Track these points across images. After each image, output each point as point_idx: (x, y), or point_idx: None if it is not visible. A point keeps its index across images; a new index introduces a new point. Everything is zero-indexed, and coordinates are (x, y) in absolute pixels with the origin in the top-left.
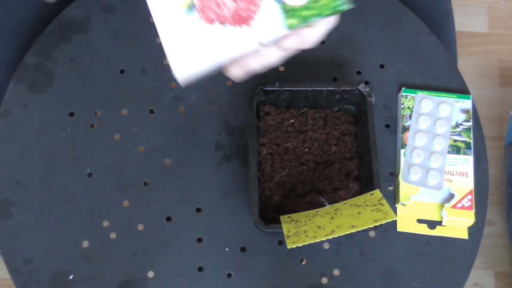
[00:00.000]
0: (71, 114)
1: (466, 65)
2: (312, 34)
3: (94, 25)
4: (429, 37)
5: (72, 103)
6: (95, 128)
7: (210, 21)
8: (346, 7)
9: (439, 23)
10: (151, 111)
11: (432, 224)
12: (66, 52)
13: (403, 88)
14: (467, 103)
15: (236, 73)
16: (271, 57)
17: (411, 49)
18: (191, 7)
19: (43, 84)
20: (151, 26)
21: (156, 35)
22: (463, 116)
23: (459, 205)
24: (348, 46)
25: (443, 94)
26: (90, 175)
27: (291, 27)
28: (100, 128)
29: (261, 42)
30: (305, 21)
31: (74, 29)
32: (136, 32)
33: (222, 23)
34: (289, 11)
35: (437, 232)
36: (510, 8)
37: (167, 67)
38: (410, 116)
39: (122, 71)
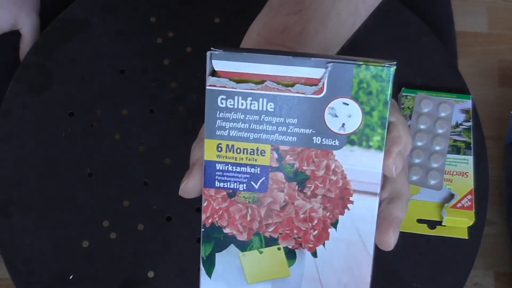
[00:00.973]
0: (71, 114)
1: (466, 65)
2: (402, 132)
3: (94, 25)
4: (429, 37)
5: (72, 103)
6: (95, 128)
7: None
8: (394, 67)
9: (439, 24)
10: (151, 111)
11: (432, 224)
12: (66, 52)
13: (403, 88)
14: (467, 103)
15: (390, 239)
16: (402, 187)
17: (411, 49)
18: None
19: (43, 84)
20: (151, 26)
21: (156, 35)
22: (463, 116)
23: (459, 205)
24: (348, 46)
25: (443, 94)
26: (90, 175)
27: (380, 149)
28: (100, 128)
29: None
30: (382, 126)
31: (74, 29)
32: (136, 32)
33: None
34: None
35: (437, 232)
36: (510, 8)
37: (167, 67)
38: (410, 116)
39: (122, 71)
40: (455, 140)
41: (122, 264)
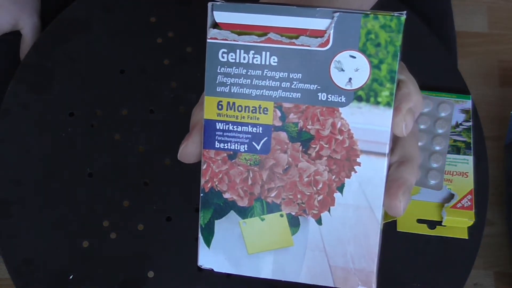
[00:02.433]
0: (71, 114)
1: (466, 65)
2: (412, 90)
3: (94, 25)
4: (429, 37)
5: (72, 103)
6: (95, 128)
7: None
8: (404, 16)
9: (439, 24)
10: (151, 111)
11: (432, 224)
12: (66, 52)
13: None
14: (467, 103)
15: (400, 203)
16: (412, 150)
17: (411, 49)
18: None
19: (43, 84)
20: (151, 26)
21: (156, 35)
22: (463, 116)
23: (459, 205)
24: None
25: (443, 94)
26: (90, 175)
27: (389, 105)
28: (100, 128)
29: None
30: (391, 80)
31: (74, 29)
32: (136, 32)
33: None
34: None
35: (437, 232)
36: (510, 8)
37: (167, 67)
38: None
39: (122, 71)
40: (455, 140)
41: (122, 264)
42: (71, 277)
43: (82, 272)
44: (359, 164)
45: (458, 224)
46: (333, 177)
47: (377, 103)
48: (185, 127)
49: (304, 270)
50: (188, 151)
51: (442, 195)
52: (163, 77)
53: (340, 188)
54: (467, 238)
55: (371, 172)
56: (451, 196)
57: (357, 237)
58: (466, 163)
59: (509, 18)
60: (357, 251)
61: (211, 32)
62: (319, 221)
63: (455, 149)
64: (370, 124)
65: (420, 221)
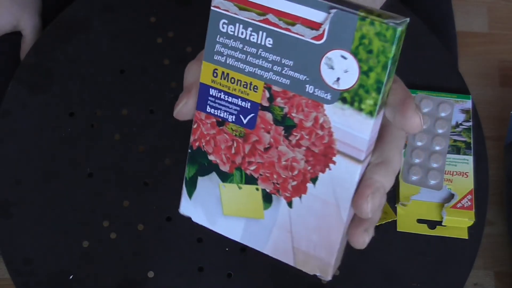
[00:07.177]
0: (71, 114)
1: (466, 65)
2: (400, 95)
3: (94, 25)
4: (429, 37)
5: (72, 103)
6: (95, 128)
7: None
8: (401, 28)
9: (439, 24)
10: (151, 111)
11: (432, 224)
12: (66, 52)
13: None
14: (467, 103)
15: (367, 204)
16: (390, 154)
17: (411, 49)
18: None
19: (43, 84)
20: (151, 26)
21: (156, 35)
22: (463, 116)
23: (459, 205)
24: None
25: (443, 94)
26: (90, 175)
27: (371, 114)
28: (100, 128)
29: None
30: (377, 91)
31: (74, 29)
32: (136, 32)
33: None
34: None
35: (437, 232)
36: (510, 8)
37: (167, 67)
38: None
39: (122, 71)
40: (455, 140)
41: (122, 264)
42: (71, 277)
43: (82, 272)
44: (334, 162)
45: (458, 224)
46: (309, 168)
47: (360, 109)
48: (185, 127)
49: (269, 243)
50: (188, 108)
51: (442, 195)
52: (163, 77)
53: (314, 180)
54: (467, 238)
55: (344, 174)
56: (451, 196)
57: (321, 228)
58: (466, 163)
59: (509, 18)
60: (320, 241)
61: (215, 1)
62: (290, 204)
63: (455, 149)
64: (350, 128)
65: (420, 221)
